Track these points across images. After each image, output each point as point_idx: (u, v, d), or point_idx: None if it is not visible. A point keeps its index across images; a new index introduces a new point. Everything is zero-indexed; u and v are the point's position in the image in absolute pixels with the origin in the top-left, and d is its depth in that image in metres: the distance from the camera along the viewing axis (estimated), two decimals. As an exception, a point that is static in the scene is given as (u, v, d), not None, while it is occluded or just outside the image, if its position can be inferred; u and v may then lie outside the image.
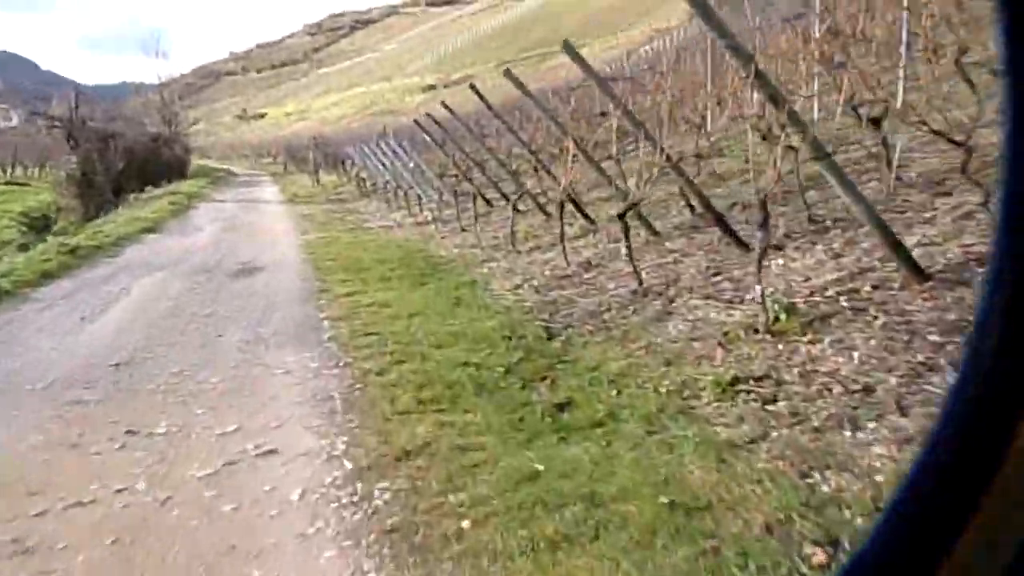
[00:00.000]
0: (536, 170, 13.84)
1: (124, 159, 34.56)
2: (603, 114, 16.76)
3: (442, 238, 12.17)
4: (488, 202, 13.75)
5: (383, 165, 21.71)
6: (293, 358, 5.78)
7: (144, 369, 5.61)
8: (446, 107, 13.74)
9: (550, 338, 5.44)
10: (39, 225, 24.07)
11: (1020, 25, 0.66)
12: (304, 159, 45.74)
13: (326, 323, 6.86)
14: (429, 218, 14.88)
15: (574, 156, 7.49)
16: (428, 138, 14.45)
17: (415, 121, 13.78)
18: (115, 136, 35.34)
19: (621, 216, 5.96)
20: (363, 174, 25.85)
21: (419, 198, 15.91)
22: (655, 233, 7.54)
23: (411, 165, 16.50)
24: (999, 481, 0.62)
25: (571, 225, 9.84)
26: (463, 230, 12.14)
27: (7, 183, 36.59)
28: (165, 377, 5.36)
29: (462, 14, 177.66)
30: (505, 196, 13.17)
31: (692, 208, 7.75)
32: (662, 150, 5.83)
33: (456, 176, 15.96)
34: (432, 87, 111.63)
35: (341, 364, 5.52)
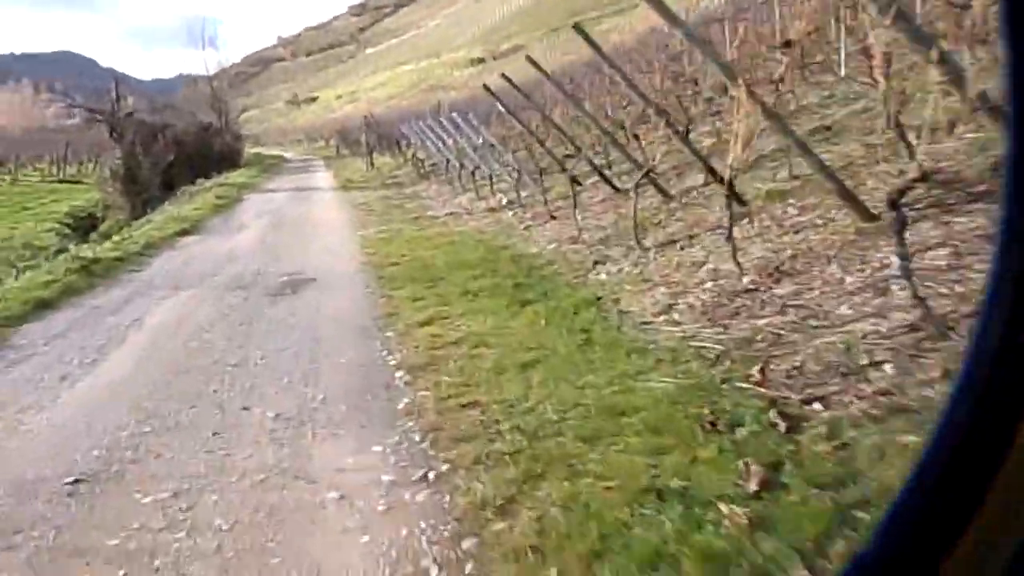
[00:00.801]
0: (634, 139, 11.41)
1: (174, 151, 33.49)
2: (695, 82, 14.21)
3: (525, 229, 9.88)
4: (576, 181, 11.37)
5: (441, 143, 19.50)
6: (352, 459, 3.59)
7: (113, 492, 3.48)
8: (506, 79, 11.38)
9: (793, 428, 3.09)
10: (84, 226, 22.78)
11: (1021, 29, 0.67)
12: (357, 141, 44.04)
13: (399, 379, 4.67)
14: (503, 202, 12.59)
15: (743, 113, 5.02)
16: (501, 108, 12.08)
17: (484, 86, 11.44)
18: (164, 128, 34.23)
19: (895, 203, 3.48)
20: (420, 154, 23.72)
21: (490, 179, 13.59)
22: (871, 217, 5.04)
23: (479, 141, 14.19)
24: (1000, 481, 0.62)
25: (704, 208, 7.43)
26: (552, 217, 9.82)
27: (60, 181, 35.82)
28: (136, 514, 3.22)
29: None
30: (600, 172, 10.76)
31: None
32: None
33: (531, 150, 13.61)
34: (481, 60, 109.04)
35: (432, 478, 3.31)
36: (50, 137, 49.04)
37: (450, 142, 17.72)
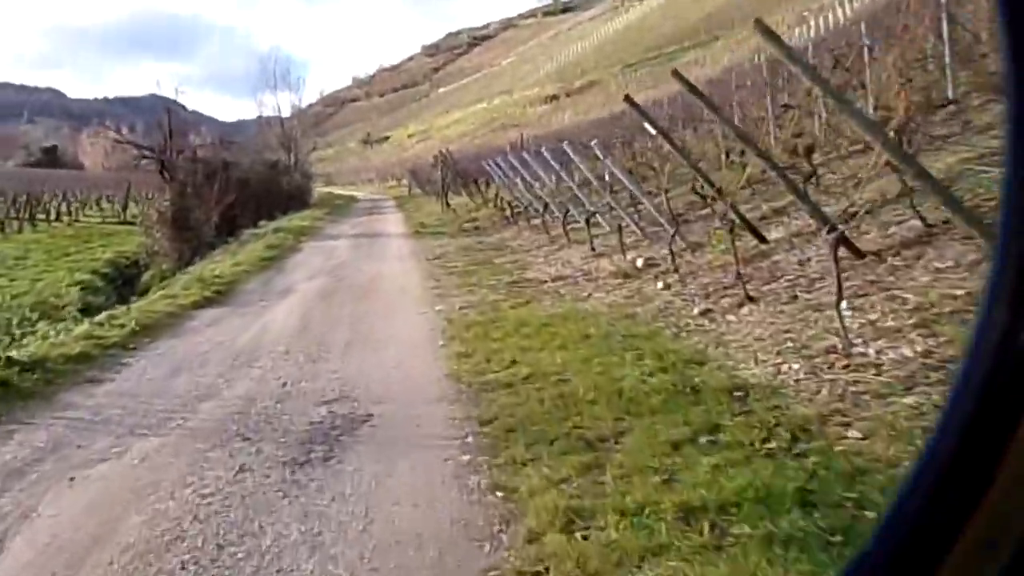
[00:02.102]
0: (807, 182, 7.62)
1: (236, 191, 31.36)
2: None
3: (705, 317, 6.18)
4: (757, 235, 7.63)
5: (530, 183, 16.09)
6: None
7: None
8: (683, 80, 7.79)
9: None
10: (128, 275, 20.31)
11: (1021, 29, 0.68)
12: (429, 180, 41.41)
13: None
14: (639, 263, 8.96)
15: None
16: (648, 126, 8.43)
17: (627, 98, 7.82)
18: (227, 166, 32.20)
19: None
20: (502, 194, 20.44)
21: (619, 229, 9.98)
22: None
23: (575, 179, 10.66)
24: (1000, 481, 0.62)
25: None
26: (749, 298, 6.09)
27: (120, 222, 34.11)
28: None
29: (580, 20, 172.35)
30: (746, 220, 7.03)
31: None
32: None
33: (660, 187, 9.96)
34: (555, 97, 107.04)
35: None
36: (126, 177, 48.34)
37: (550, 180, 14.31)
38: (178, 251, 20.28)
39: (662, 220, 9.33)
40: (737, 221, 7.25)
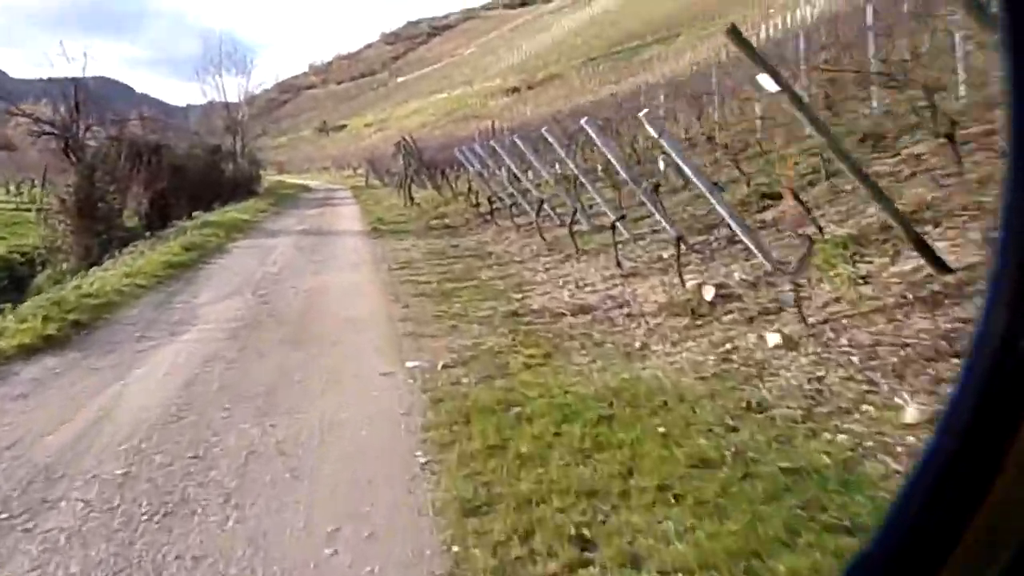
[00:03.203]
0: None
1: (170, 177, 27.66)
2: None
3: (917, 425, 3.29)
4: (932, 257, 4.76)
5: (516, 174, 13.11)
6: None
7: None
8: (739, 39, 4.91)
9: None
10: (18, 275, 16.64)
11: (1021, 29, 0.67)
12: (388, 170, 37.99)
13: None
14: (706, 294, 6.01)
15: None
16: (766, 82, 5.48)
17: (731, 32, 4.87)
18: (159, 149, 28.43)
19: None
20: (477, 186, 17.38)
21: (677, 241, 7.03)
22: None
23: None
24: (1000, 482, 0.62)
25: None
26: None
27: (39, 210, 29.87)
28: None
29: (542, 13, 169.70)
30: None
31: None
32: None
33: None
34: (516, 89, 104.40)
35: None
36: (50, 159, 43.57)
37: (542, 169, 11.32)
38: (84, 247, 16.69)
39: (735, 226, 6.42)
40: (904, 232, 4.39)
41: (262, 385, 5.01)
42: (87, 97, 18.98)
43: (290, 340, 6.28)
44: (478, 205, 16.38)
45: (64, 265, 16.39)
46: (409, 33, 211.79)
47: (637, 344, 5.42)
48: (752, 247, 6.17)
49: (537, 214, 10.86)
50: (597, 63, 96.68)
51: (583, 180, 9.82)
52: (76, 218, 16.72)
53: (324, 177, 63.10)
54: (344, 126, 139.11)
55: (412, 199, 20.75)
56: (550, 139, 11.17)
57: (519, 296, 7.77)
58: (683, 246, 6.71)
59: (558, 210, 12.13)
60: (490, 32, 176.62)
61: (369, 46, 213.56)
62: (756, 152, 11.32)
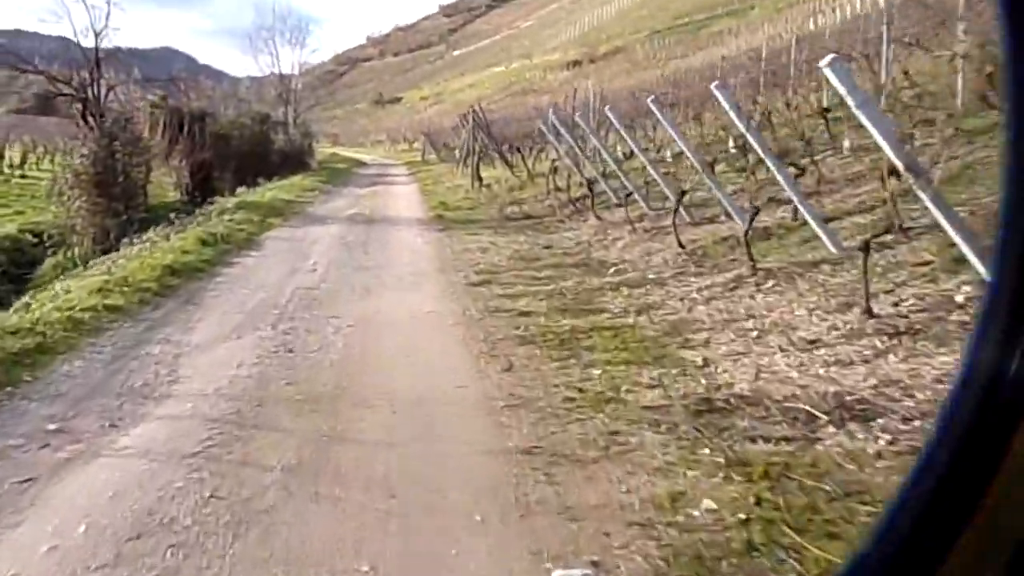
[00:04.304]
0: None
1: (213, 147, 25.31)
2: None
3: None
4: None
5: (620, 153, 9.96)
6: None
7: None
8: None
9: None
10: (27, 259, 14.28)
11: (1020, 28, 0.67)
12: (447, 144, 35.02)
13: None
14: None
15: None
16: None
17: None
18: (202, 117, 26.05)
19: None
20: (561, 166, 14.26)
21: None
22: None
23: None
24: (999, 482, 0.62)
25: None
26: None
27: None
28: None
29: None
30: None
31: None
32: None
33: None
34: (577, 63, 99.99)
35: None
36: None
37: (685, 150, 8.13)
38: (100, 228, 14.21)
39: None
40: None
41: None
42: (107, 56, 16.32)
43: (309, 468, 3.32)
44: (566, 190, 13.23)
45: (77, 249, 13.96)
46: (467, 5, 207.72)
47: None
48: None
49: (676, 210, 7.68)
50: (662, 36, 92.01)
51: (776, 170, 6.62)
52: (91, 194, 14.22)
53: (379, 151, 60.69)
54: (400, 99, 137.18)
55: (481, 180, 17.69)
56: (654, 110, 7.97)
57: (692, 357, 4.70)
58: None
59: (666, 203, 9.01)
60: (550, 4, 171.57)
61: (427, 18, 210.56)
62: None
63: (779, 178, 6.43)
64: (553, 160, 14.68)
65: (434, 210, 14.43)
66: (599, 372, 4.53)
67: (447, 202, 15.48)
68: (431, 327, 5.80)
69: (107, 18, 16.74)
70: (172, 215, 13.61)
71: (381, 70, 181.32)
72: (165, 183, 21.88)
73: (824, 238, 6.13)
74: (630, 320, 5.76)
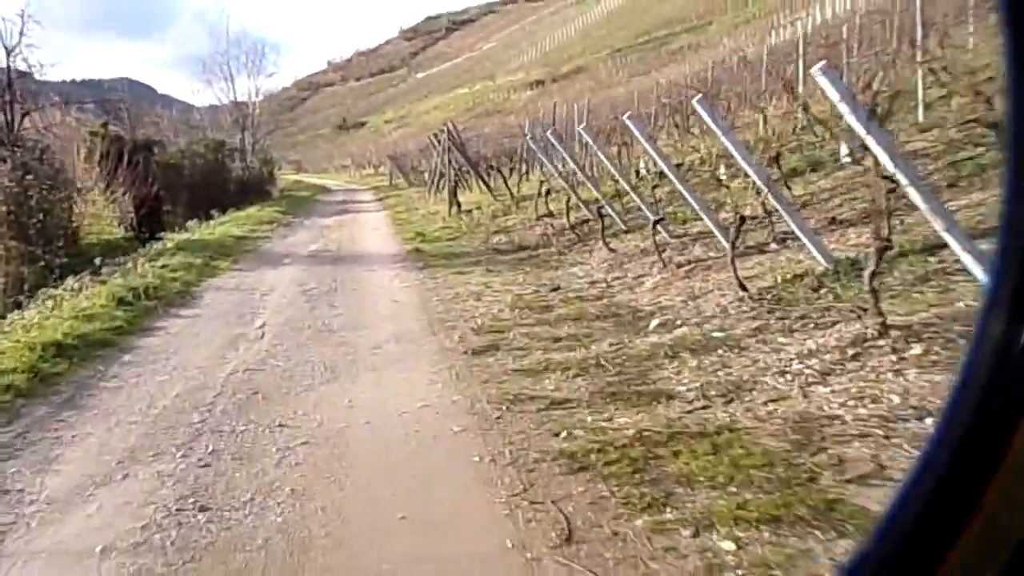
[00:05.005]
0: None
1: (161, 178, 23.17)
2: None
3: None
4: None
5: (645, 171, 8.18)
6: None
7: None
8: None
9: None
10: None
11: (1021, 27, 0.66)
12: (414, 167, 33.11)
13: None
14: None
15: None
16: None
17: None
18: (148, 146, 23.94)
19: None
20: (550, 185, 12.42)
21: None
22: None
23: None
24: (998, 482, 0.61)
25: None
26: None
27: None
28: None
29: (564, 5, 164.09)
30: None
31: None
32: None
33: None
34: (540, 83, 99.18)
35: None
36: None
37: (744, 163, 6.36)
38: (12, 276, 11.96)
39: None
40: None
41: None
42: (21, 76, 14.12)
43: None
44: (561, 214, 11.35)
45: (-18, 303, 11.69)
46: (428, 28, 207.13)
47: None
48: None
49: (735, 240, 5.82)
50: (624, 54, 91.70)
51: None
52: (2, 236, 12.00)
53: (344, 176, 58.62)
54: (364, 123, 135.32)
55: (459, 205, 15.74)
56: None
57: (870, 498, 2.83)
58: None
59: (687, 227, 7.19)
60: (510, 25, 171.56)
61: (388, 42, 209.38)
62: None
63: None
64: (542, 181, 12.84)
65: (410, 242, 12.46)
66: (730, 547, 2.62)
67: (424, 232, 13.53)
68: (429, 441, 3.84)
69: (20, 35, 14.52)
70: (98, 260, 11.44)
71: (344, 94, 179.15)
72: (109, 219, 19.70)
73: (972, 267, 4.31)
74: (721, 414, 3.89)
